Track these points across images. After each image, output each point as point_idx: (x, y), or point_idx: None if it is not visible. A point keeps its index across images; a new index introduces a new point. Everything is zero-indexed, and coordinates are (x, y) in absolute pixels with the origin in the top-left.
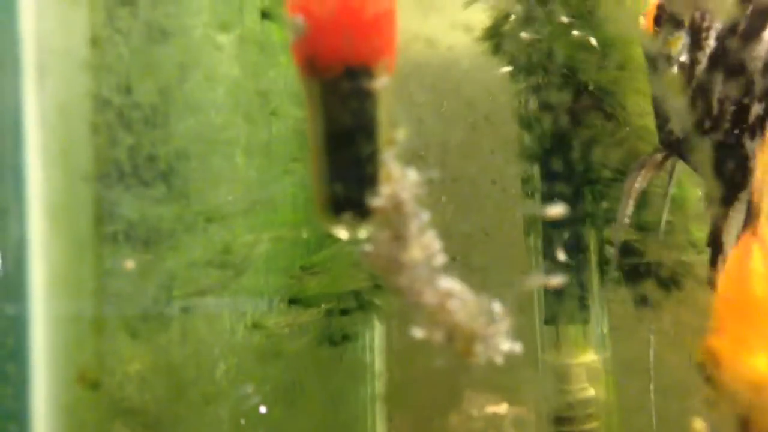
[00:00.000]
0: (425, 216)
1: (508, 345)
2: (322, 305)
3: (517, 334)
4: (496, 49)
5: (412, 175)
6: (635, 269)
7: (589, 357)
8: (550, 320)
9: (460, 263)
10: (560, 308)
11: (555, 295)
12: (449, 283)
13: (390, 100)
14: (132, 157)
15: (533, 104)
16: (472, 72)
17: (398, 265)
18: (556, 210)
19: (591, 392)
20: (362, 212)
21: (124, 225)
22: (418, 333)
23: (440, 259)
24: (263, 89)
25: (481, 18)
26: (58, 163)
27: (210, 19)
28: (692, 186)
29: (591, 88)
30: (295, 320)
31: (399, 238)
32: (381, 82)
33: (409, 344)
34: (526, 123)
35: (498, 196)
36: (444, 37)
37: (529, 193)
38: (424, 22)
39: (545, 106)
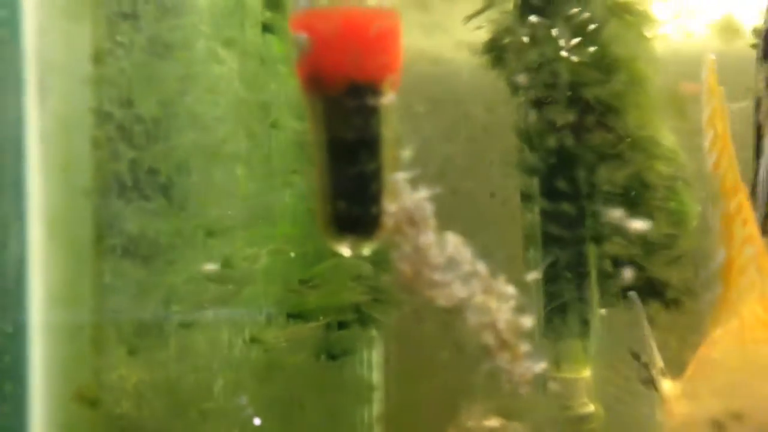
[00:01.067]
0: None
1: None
2: (321, 319)
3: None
4: (495, 63)
5: (421, 191)
6: (635, 286)
7: (589, 372)
8: (550, 335)
9: None
10: (560, 323)
11: (555, 309)
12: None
13: (394, 118)
14: (133, 170)
15: (533, 118)
16: (471, 84)
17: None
18: None
19: (590, 408)
20: (367, 230)
21: (123, 239)
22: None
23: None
24: (264, 102)
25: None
26: (59, 178)
27: (212, 32)
28: (693, 201)
29: (591, 102)
30: (293, 334)
31: (419, 251)
32: (386, 99)
33: (409, 360)
34: (526, 137)
35: (497, 209)
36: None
37: (529, 207)
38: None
39: (545, 120)
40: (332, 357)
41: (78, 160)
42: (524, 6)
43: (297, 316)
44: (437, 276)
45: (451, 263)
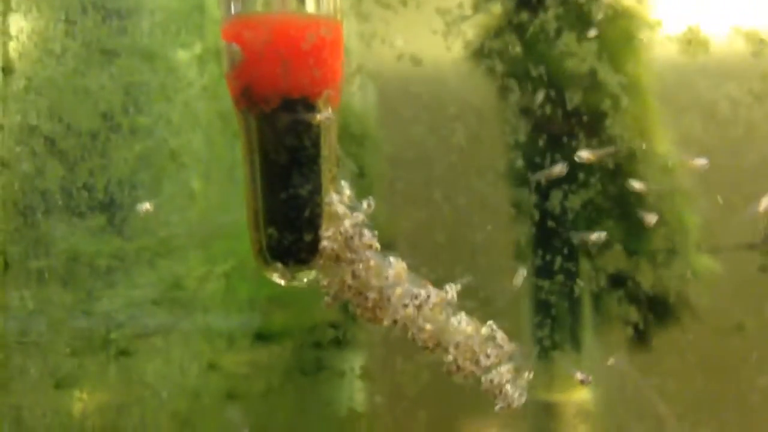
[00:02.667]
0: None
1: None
2: (290, 340)
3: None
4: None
5: (359, 213)
6: (632, 299)
7: (581, 394)
8: (542, 354)
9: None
10: (552, 341)
11: (547, 327)
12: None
13: (334, 135)
14: (64, 187)
15: (523, 127)
16: (459, 89)
17: (368, 302)
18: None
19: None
20: (301, 257)
21: (50, 261)
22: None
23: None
24: (226, 110)
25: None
26: None
27: (165, 38)
28: (692, 214)
29: (584, 111)
30: (259, 358)
31: (357, 275)
32: (323, 116)
33: (395, 378)
34: (517, 146)
35: (488, 218)
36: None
37: (520, 218)
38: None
39: (535, 130)
40: (305, 374)
41: None
42: (516, 8)
43: (265, 338)
44: (380, 300)
45: (395, 287)
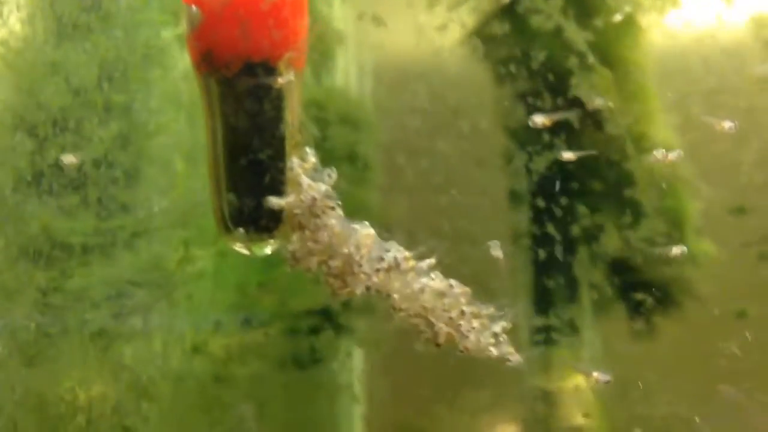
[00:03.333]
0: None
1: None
2: (278, 325)
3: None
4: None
5: (324, 181)
6: (632, 286)
7: (578, 381)
8: (539, 343)
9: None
10: (550, 329)
11: (545, 315)
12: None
13: (297, 100)
14: (34, 163)
15: (520, 114)
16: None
17: (337, 268)
18: None
19: (579, 419)
20: (265, 224)
21: (22, 239)
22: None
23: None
24: None
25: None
26: None
27: (143, 15)
28: (690, 199)
29: (583, 98)
30: (247, 341)
31: (322, 240)
32: (285, 79)
33: (392, 362)
34: (514, 133)
35: (486, 205)
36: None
37: (518, 206)
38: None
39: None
40: (300, 365)
41: None
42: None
43: (253, 322)
44: (346, 267)
45: (361, 253)
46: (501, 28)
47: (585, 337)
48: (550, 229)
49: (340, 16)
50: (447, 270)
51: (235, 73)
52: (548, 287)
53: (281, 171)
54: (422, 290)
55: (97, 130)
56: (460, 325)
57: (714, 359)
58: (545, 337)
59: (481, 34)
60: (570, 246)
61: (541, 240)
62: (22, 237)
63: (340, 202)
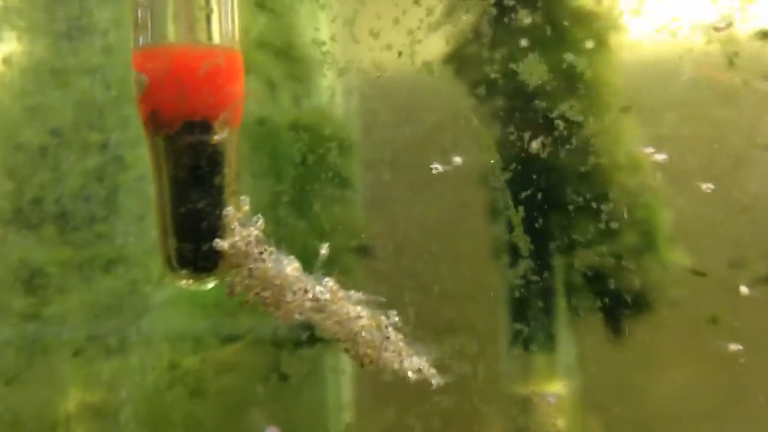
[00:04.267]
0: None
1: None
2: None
3: (483, 361)
4: (458, 73)
5: (255, 225)
6: (606, 294)
7: (556, 387)
8: (517, 348)
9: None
10: (527, 336)
11: (522, 322)
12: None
13: (235, 153)
14: (13, 201)
15: (497, 132)
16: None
17: (271, 300)
18: None
19: (558, 424)
20: (205, 264)
21: (2, 269)
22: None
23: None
24: None
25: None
26: None
27: (117, 57)
28: (662, 208)
29: (554, 116)
30: (225, 356)
31: (257, 277)
32: (221, 137)
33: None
34: (492, 150)
35: (467, 220)
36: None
37: (497, 219)
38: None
39: (509, 133)
40: (284, 378)
41: None
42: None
43: (233, 339)
44: (278, 297)
45: (290, 284)
46: (478, 49)
47: (561, 343)
48: (528, 241)
49: (326, 36)
50: (426, 286)
51: (176, 130)
52: (525, 296)
53: (218, 218)
54: (348, 319)
55: (74, 166)
56: (384, 349)
57: (688, 363)
58: (523, 344)
59: (460, 54)
60: (546, 257)
61: (518, 251)
62: (2, 268)
63: (271, 244)
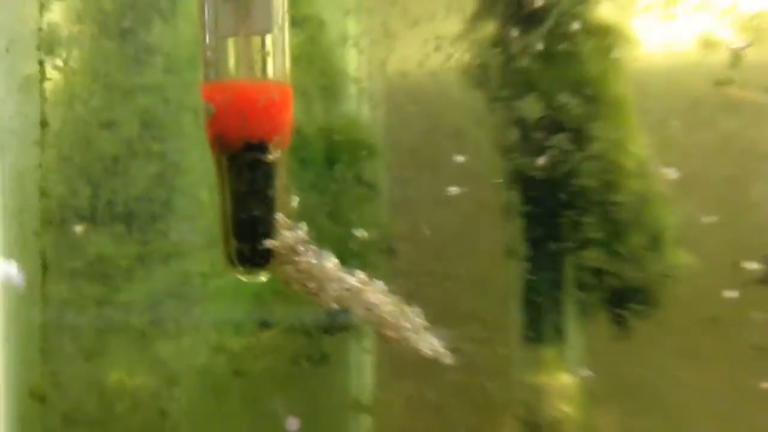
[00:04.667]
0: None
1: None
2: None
3: (494, 353)
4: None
5: (301, 229)
6: (613, 293)
7: (564, 378)
8: (528, 339)
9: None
10: (538, 328)
11: (533, 314)
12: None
13: (284, 169)
14: (92, 204)
15: (513, 137)
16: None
17: (313, 289)
18: None
19: (566, 411)
20: (260, 261)
21: (82, 263)
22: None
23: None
24: None
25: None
26: (15, 220)
27: (176, 77)
28: (668, 213)
29: (565, 122)
30: (262, 341)
31: (301, 270)
32: (274, 156)
33: (400, 366)
34: (508, 153)
35: (483, 221)
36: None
37: (510, 219)
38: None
39: (522, 138)
40: (312, 361)
41: (30, 206)
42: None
43: (268, 325)
44: (319, 287)
45: (329, 277)
46: (494, 59)
47: (570, 337)
48: (540, 240)
49: (354, 46)
50: (445, 282)
51: (238, 151)
52: (537, 293)
53: (271, 222)
54: (375, 305)
55: (139, 172)
56: (405, 330)
57: (690, 359)
58: (534, 337)
59: (477, 64)
60: (557, 256)
61: (531, 250)
62: (82, 261)
63: (313, 244)
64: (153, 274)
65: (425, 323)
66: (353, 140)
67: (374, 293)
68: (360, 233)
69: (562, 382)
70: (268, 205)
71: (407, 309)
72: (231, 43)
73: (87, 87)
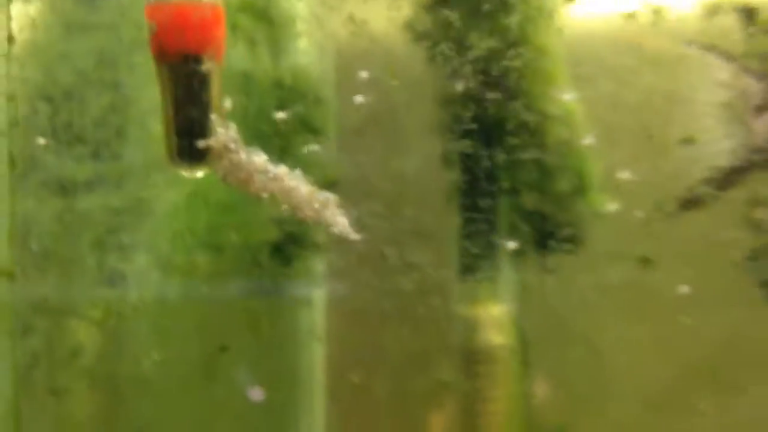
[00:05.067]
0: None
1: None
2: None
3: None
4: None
5: (233, 129)
6: (541, 231)
7: (498, 309)
8: (464, 274)
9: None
10: (473, 263)
11: (470, 251)
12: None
13: (218, 79)
14: (52, 124)
15: (451, 89)
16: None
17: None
18: None
19: (498, 340)
20: (198, 157)
21: (44, 175)
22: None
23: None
24: None
25: None
26: None
27: (132, 14)
28: (592, 161)
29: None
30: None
31: (234, 164)
32: (208, 66)
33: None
34: (444, 105)
35: (425, 167)
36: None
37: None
38: None
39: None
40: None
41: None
42: None
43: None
44: (251, 178)
45: (259, 168)
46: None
47: (502, 272)
48: (476, 184)
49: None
50: (386, 223)
51: (177, 61)
52: (473, 233)
53: (206, 123)
54: (295, 189)
55: (95, 100)
56: (318, 210)
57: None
58: (470, 272)
59: (417, 20)
60: (492, 198)
61: (468, 193)
62: (42, 176)
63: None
64: (109, 193)
65: (337, 204)
66: (302, 89)
67: (293, 180)
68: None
69: (495, 314)
70: (204, 109)
71: (321, 192)
72: None
73: (46, 19)
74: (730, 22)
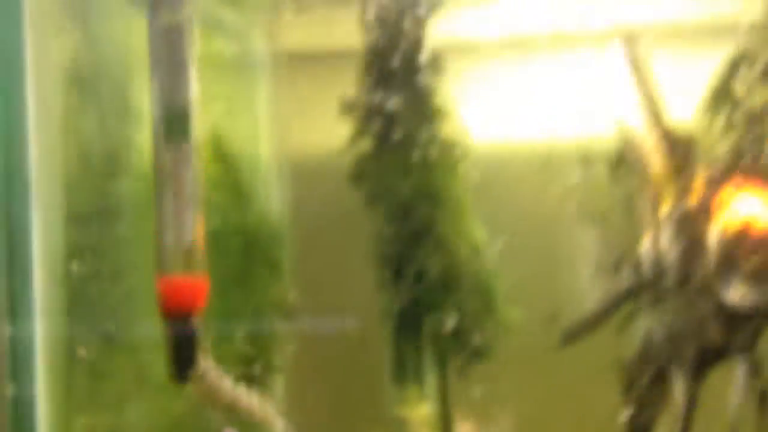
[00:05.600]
0: None
1: None
2: None
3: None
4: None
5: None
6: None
7: (425, 410)
8: (396, 379)
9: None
10: (404, 370)
11: (400, 363)
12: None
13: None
14: None
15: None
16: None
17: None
18: None
19: None
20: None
21: None
22: None
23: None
24: None
25: None
26: None
27: None
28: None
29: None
30: None
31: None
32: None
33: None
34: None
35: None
36: None
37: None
38: None
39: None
40: None
41: None
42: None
43: None
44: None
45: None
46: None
47: (427, 378)
48: (405, 309)
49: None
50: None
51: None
52: (403, 347)
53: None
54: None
55: None
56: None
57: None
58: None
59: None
60: (417, 319)
61: (398, 315)
62: None
63: None
64: None
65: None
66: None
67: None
68: None
69: (423, 413)
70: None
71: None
72: None
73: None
74: None
